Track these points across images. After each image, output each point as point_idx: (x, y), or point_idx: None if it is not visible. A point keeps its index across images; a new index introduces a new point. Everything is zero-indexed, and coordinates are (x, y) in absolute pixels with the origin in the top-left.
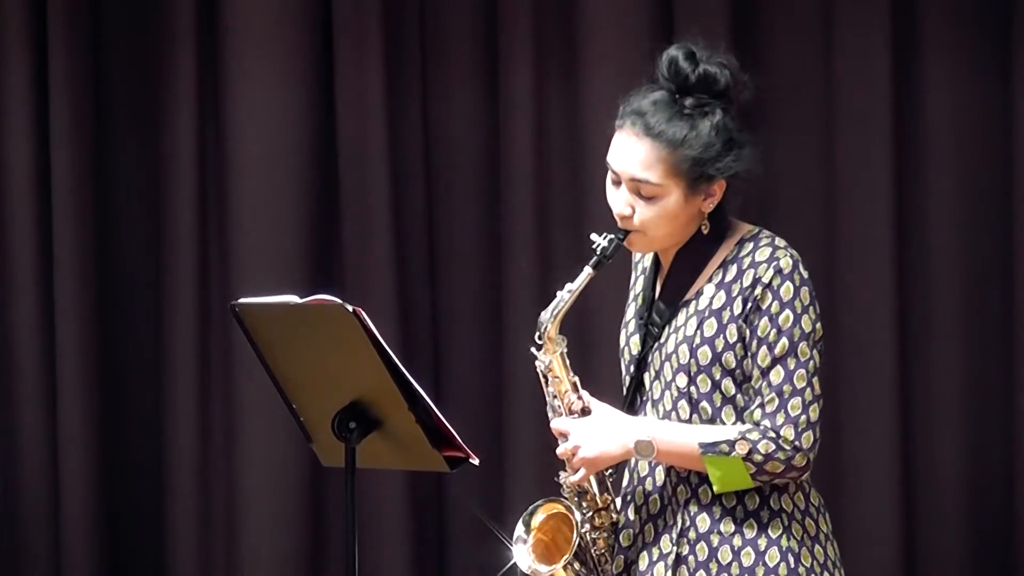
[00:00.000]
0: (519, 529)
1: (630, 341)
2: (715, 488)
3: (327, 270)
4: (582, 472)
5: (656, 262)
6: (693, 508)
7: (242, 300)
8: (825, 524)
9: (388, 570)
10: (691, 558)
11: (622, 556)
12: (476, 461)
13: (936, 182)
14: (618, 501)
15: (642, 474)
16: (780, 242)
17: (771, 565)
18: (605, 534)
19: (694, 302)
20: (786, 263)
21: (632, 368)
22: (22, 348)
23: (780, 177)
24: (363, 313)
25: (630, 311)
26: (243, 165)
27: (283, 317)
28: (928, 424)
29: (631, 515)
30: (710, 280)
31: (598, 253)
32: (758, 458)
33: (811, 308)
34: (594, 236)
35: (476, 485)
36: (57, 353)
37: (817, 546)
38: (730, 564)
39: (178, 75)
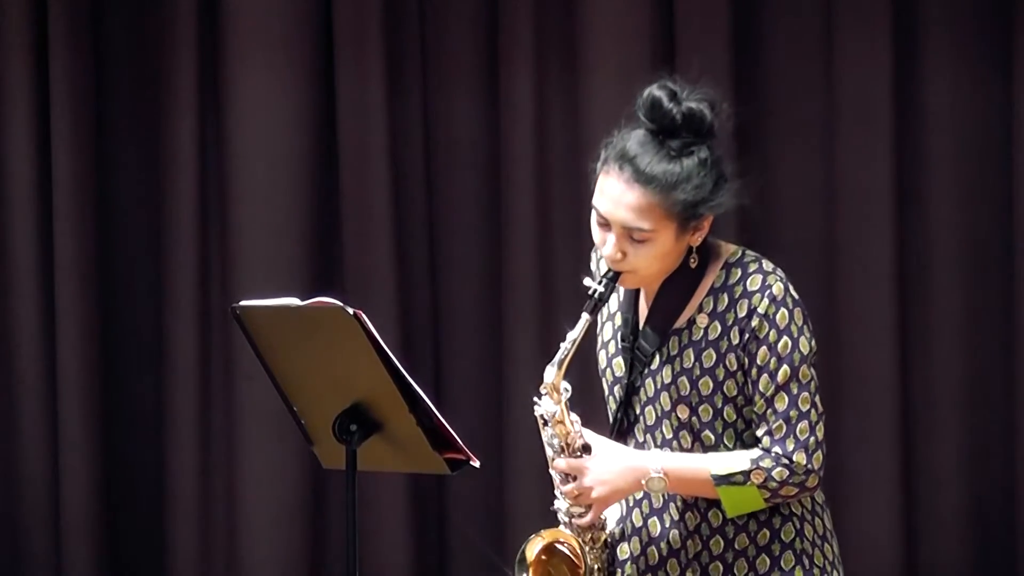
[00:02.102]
0: (517, 565)
1: (612, 363)
2: (728, 513)
3: (328, 272)
4: (592, 513)
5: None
6: (705, 532)
7: (243, 302)
8: (829, 521)
9: (389, 572)
10: None
11: (619, 570)
12: (477, 463)
13: (936, 182)
14: (609, 522)
15: (638, 496)
16: (767, 265)
17: (787, 568)
18: (596, 551)
19: (686, 331)
20: (778, 289)
21: (618, 391)
22: (23, 350)
23: (781, 178)
24: (364, 316)
25: (607, 331)
26: (243, 167)
27: (284, 320)
28: (928, 428)
29: (629, 524)
30: (700, 309)
31: (595, 298)
32: (773, 485)
33: (805, 328)
34: (587, 281)
35: (476, 487)
36: (58, 355)
37: (826, 544)
38: None
39: (179, 77)
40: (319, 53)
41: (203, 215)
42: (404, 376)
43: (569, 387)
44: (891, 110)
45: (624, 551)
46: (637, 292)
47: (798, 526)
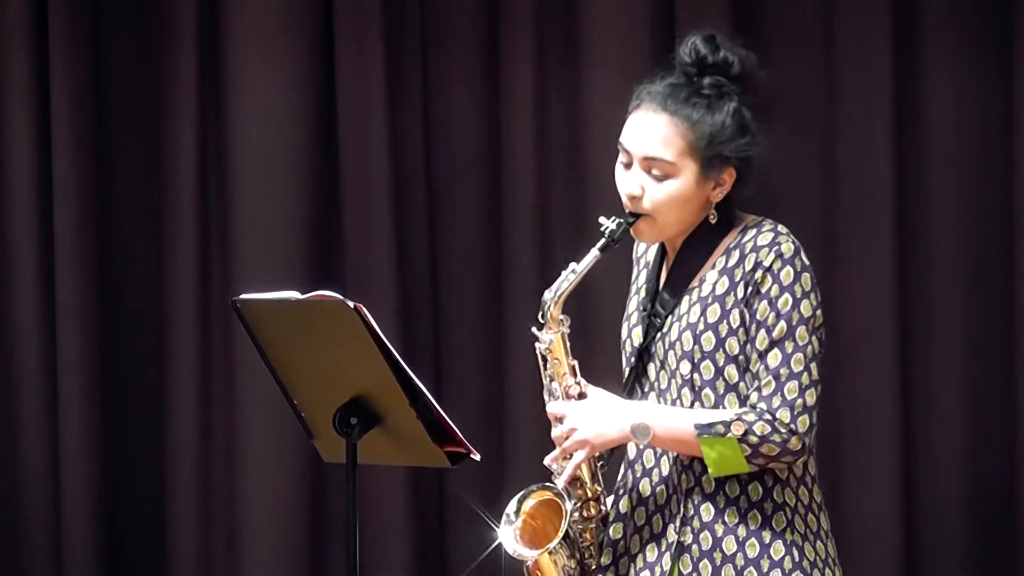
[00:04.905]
0: (510, 507)
1: (632, 333)
2: (711, 471)
3: (328, 266)
4: (578, 455)
5: (661, 254)
6: (697, 497)
7: (243, 296)
8: (825, 521)
9: (390, 567)
10: (694, 547)
11: (611, 549)
12: (477, 457)
13: (936, 181)
14: (610, 500)
15: (648, 465)
16: (783, 229)
17: (776, 558)
18: (592, 525)
19: (697, 289)
20: (787, 248)
21: (633, 359)
22: (23, 347)
23: (780, 176)
24: (364, 309)
25: (632, 304)
26: (244, 161)
27: (284, 313)
28: (929, 422)
29: (623, 508)
30: (714, 267)
31: (606, 236)
32: (753, 439)
33: (812, 294)
34: (602, 219)
35: (476, 481)
36: (58, 351)
37: (819, 542)
38: (734, 555)
39: (179, 71)
40: (319, 49)
41: (203, 210)
42: (404, 369)
43: (567, 319)
44: (891, 109)
45: (619, 530)
46: (660, 264)
47: (789, 517)
